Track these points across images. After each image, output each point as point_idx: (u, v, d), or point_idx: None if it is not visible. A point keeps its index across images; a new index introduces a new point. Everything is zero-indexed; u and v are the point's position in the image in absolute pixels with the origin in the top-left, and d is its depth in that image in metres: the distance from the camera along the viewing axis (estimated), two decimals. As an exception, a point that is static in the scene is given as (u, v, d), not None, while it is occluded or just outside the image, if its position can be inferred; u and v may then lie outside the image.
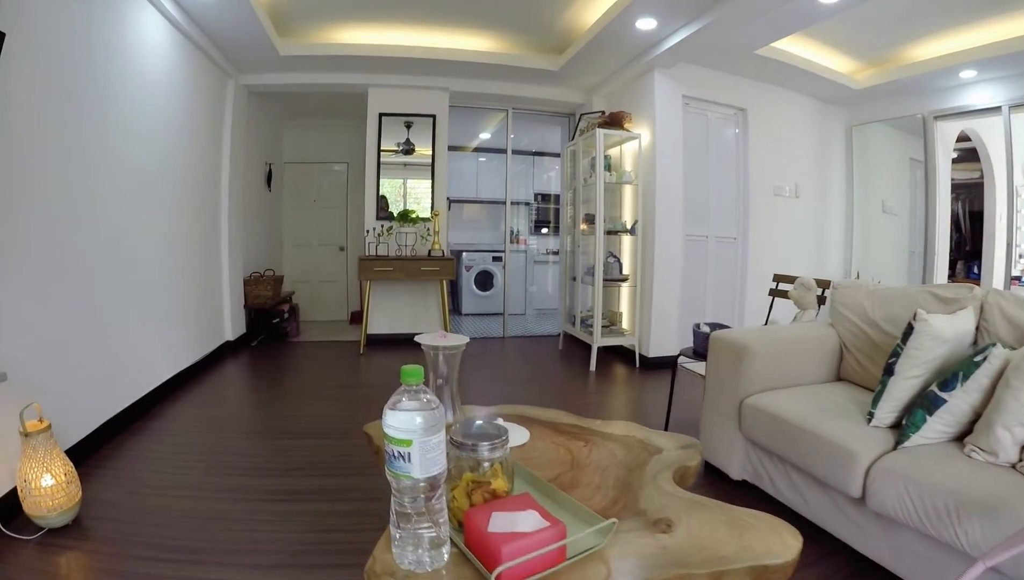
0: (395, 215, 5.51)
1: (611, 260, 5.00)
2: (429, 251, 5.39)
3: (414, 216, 5.41)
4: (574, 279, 5.51)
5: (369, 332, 5.63)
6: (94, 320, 3.00)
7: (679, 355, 3.52)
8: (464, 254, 8.19)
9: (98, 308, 3.04)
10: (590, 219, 5.21)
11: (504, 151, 8.72)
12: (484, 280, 8.28)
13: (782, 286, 4.09)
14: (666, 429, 3.46)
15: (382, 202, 5.69)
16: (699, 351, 3.40)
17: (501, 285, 8.28)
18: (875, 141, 6.21)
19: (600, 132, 4.85)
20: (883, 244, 6.26)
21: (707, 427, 2.84)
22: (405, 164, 5.71)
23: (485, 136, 7.93)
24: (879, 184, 6.21)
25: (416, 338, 1.75)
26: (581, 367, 5.01)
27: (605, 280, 4.92)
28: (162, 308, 3.87)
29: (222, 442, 3.13)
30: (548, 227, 9.09)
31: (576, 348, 5.78)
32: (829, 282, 3.80)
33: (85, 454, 2.78)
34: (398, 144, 5.67)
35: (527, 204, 9.00)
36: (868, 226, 6.27)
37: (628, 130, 5.01)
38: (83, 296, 2.89)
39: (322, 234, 7.44)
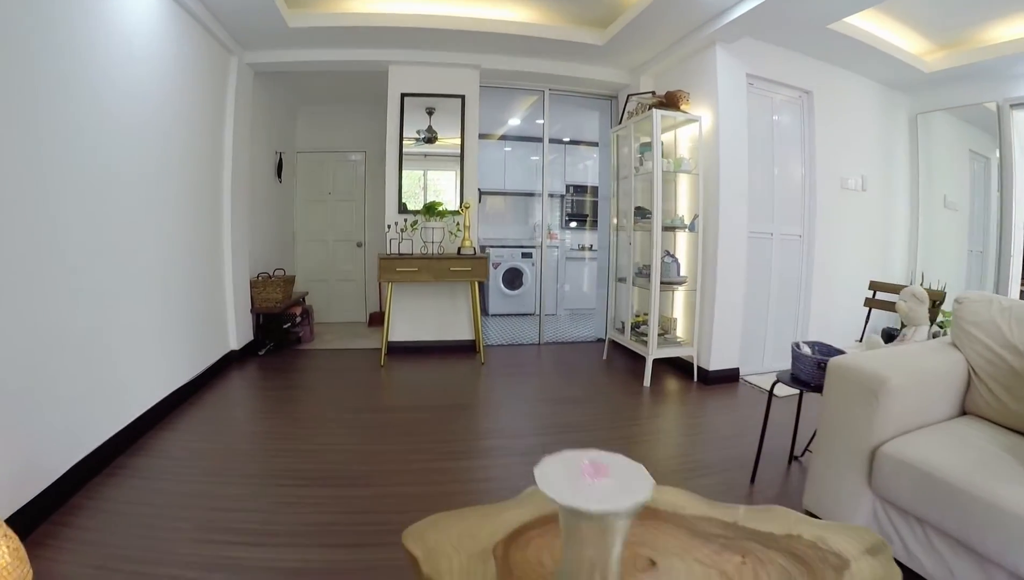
0: (420, 208, 4.89)
1: (668, 260, 4.35)
2: (459, 249, 4.78)
3: (441, 209, 4.80)
4: (622, 280, 4.87)
5: (390, 339, 5.04)
6: (64, 335, 2.43)
7: (776, 382, 2.87)
8: (491, 250, 7.57)
9: (70, 319, 2.48)
10: (642, 213, 4.57)
11: (534, 139, 8.23)
12: (513, 278, 7.67)
13: (880, 295, 3.40)
14: (755, 472, 2.85)
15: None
16: (800, 378, 2.77)
17: (532, 284, 7.69)
18: (936, 131, 5.56)
19: (657, 113, 4.20)
20: (944, 243, 5.60)
21: (818, 475, 2.29)
22: (426, 154, 5.10)
23: (514, 122, 7.28)
24: (940, 177, 5.57)
25: (544, 489, 1.03)
26: (632, 382, 4.39)
27: (661, 282, 4.28)
28: (154, 317, 3.32)
29: (218, 490, 2.54)
30: (585, 221, 8.47)
31: (622, 357, 5.16)
32: (943, 294, 3.25)
33: (46, 510, 2.22)
34: (419, 132, 5.05)
35: (559, 196, 8.35)
36: (929, 223, 5.60)
37: (686, 112, 4.35)
38: (51, 304, 2.32)
39: (338, 229, 6.86)
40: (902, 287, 3.51)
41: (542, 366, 4.95)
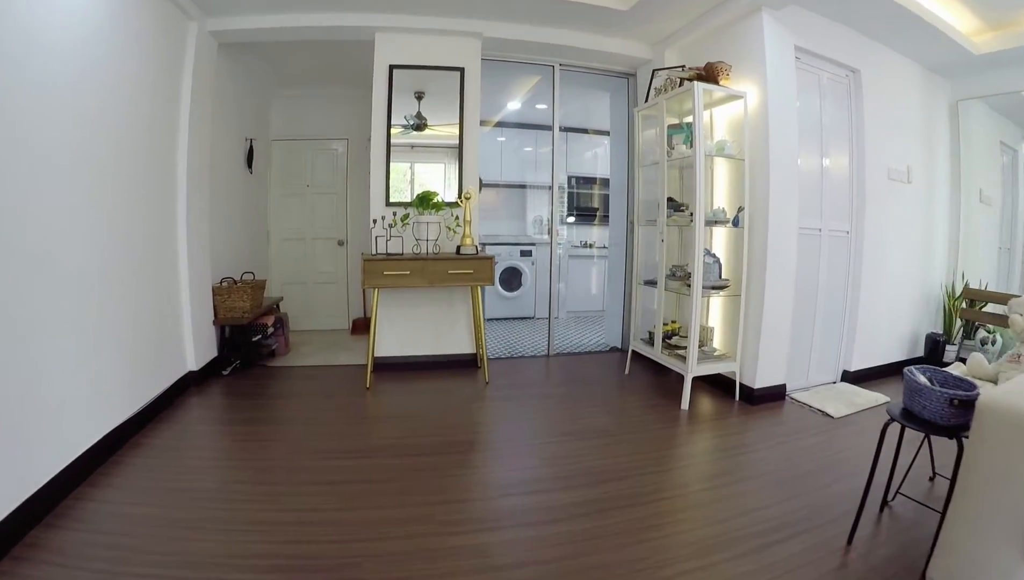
0: (412, 200, 4.16)
1: (708, 260, 3.69)
2: (458, 248, 4.06)
3: (436, 201, 4.07)
4: (650, 283, 4.20)
5: (377, 355, 4.32)
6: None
7: (889, 422, 2.24)
8: (485, 248, 6.86)
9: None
10: (675, 205, 3.90)
11: (534, 126, 7.48)
12: (510, 278, 6.98)
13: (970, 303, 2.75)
14: (854, 530, 2.22)
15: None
16: (922, 416, 2.15)
17: (531, 285, 7.01)
18: (973, 120, 5.03)
19: (699, 86, 3.52)
20: (978, 239, 5.09)
21: (955, 543, 1.79)
22: (413, 145, 4.36)
23: (513, 106, 6.56)
24: (977, 170, 5.05)
25: None
26: (666, 405, 3.73)
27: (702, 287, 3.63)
28: (83, 337, 2.55)
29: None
30: (592, 216, 7.81)
31: (646, 372, 4.50)
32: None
33: None
34: (406, 117, 4.32)
35: (559, 188, 7.64)
36: (967, 218, 5.08)
37: (726, 88, 3.69)
38: None
39: (317, 226, 6.09)
40: (1010, 297, 2.91)
41: (556, 385, 4.24)
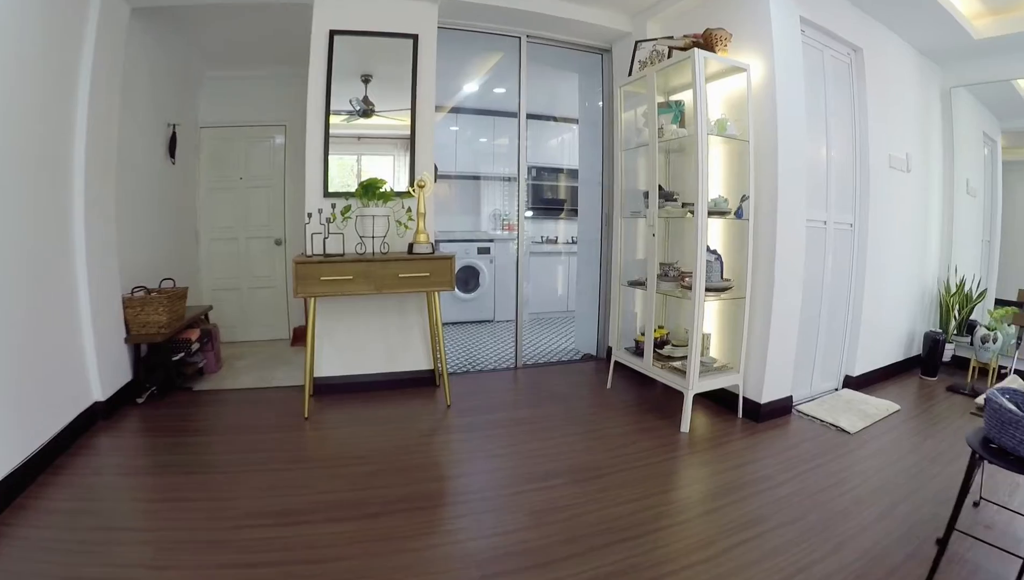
0: (356, 189, 3.44)
1: (710, 258, 3.14)
2: (410, 246, 3.38)
3: (384, 190, 3.38)
4: (636, 284, 3.64)
5: (318, 375, 3.61)
6: None
7: (980, 458, 1.74)
8: (439, 245, 6.19)
9: None
10: (666, 195, 3.35)
11: (493, 112, 6.86)
12: (467, 278, 6.32)
13: None
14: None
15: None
16: (1010, 448, 1.65)
17: (490, 284, 6.38)
18: (961, 109, 4.74)
19: (699, 54, 2.97)
20: (967, 232, 4.81)
21: None
22: (360, 137, 3.65)
23: (470, 88, 5.89)
24: (963, 160, 4.76)
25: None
26: (662, 427, 3.17)
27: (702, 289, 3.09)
28: None
29: None
30: (558, 210, 7.21)
31: (631, 384, 3.94)
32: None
33: None
34: (352, 102, 3.59)
35: (511, 180, 7.01)
36: (957, 210, 4.79)
37: (725, 58, 3.16)
38: None
39: (252, 223, 5.26)
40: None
41: (530, 406, 3.60)
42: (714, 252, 3.17)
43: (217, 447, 2.89)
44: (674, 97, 3.58)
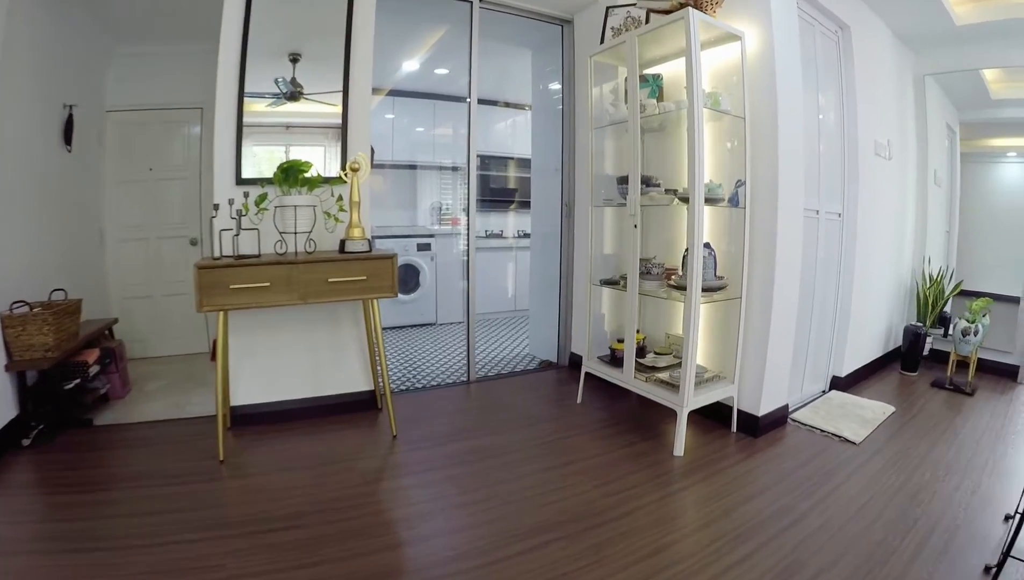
0: (274, 174, 2.76)
1: (704, 253, 2.67)
2: (342, 243, 2.74)
3: (308, 176, 2.72)
4: (610, 283, 3.15)
5: (236, 403, 2.91)
6: None
7: None
8: (375, 242, 5.52)
9: None
10: (646, 180, 2.86)
11: (433, 95, 6.19)
12: (405, 278, 5.68)
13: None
14: None
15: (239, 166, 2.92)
16: None
17: (431, 284, 5.77)
18: (931, 97, 4.55)
19: (694, 15, 2.48)
20: (936, 222, 4.68)
21: None
22: (288, 125, 2.97)
23: (411, 66, 5.21)
24: (932, 150, 4.59)
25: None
26: (652, 451, 2.68)
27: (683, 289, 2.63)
28: None
29: None
30: (507, 202, 6.63)
31: (599, 395, 3.44)
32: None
33: None
34: (277, 83, 2.91)
35: (455, 169, 6.40)
36: (930, 200, 4.63)
37: (719, 23, 2.70)
38: None
39: (164, 221, 4.39)
40: None
41: (493, 431, 2.98)
42: (707, 246, 2.70)
43: (112, 507, 2.15)
44: (651, 70, 3.10)
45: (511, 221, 6.66)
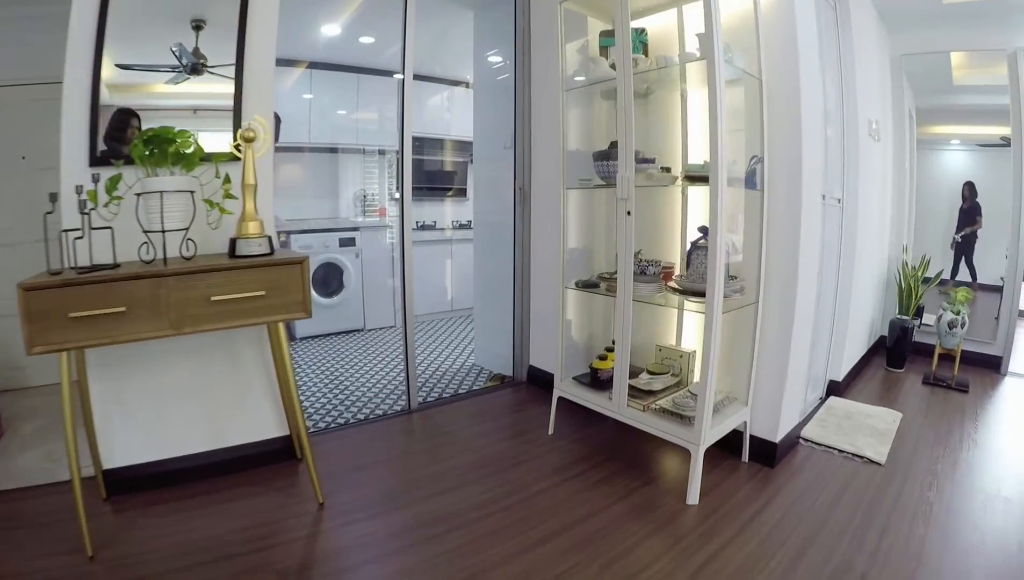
0: (136, 148, 1.91)
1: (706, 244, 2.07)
2: (233, 242, 1.94)
3: (182, 149, 1.90)
4: (586, 286, 2.50)
5: (110, 466, 2.07)
6: None
7: None
8: (290, 238, 4.64)
9: None
10: (643, 158, 2.23)
11: (356, 69, 5.27)
12: (327, 278, 4.83)
13: None
14: None
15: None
16: None
17: (356, 284, 4.97)
18: (904, 81, 4.23)
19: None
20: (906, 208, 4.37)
21: None
22: (196, 109, 2.19)
23: (331, 30, 4.33)
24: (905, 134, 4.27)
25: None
26: (659, 497, 2.08)
27: (695, 294, 2.03)
28: None
29: None
30: (442, 190, 5.83)
31: (573, 419, 2.79)
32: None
33: None
34: (175, 51, 2.12)
35: (382, 153, 5.55)
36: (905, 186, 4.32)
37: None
38: None
39: (36, 220, 3.31)
40: None
41: (453, 486, 2.25)
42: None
43: None
44: (634, 23, 2.47)
45: (447, 210, 5.90)
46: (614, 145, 2.24)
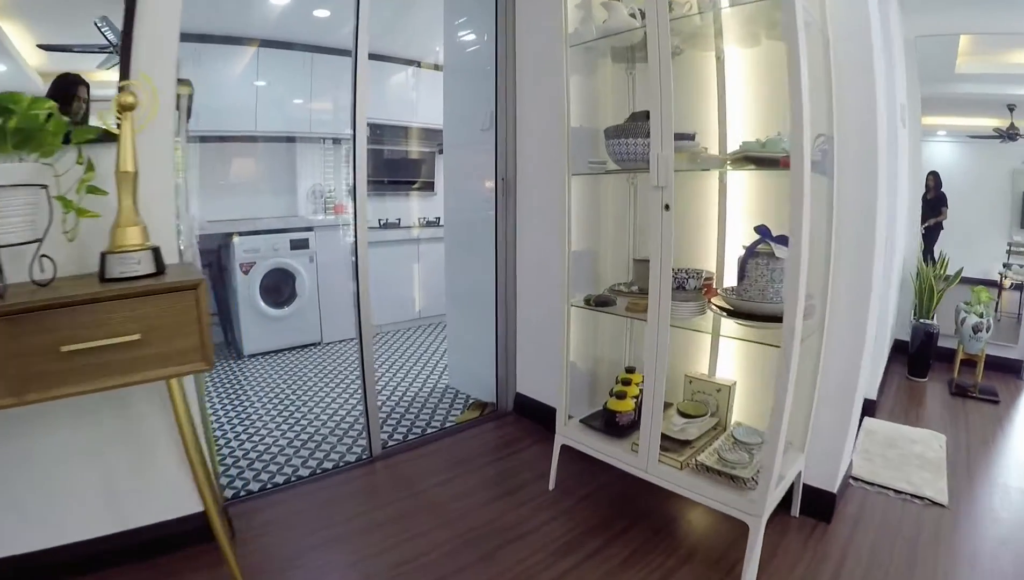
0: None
1: (783, 251, 1.52)
2: (104, 258, 1.27)
3: (17, 116, 1.24)
4: (595, 304, 1.92)
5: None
6: None
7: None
8: (235, 240, 3.92)
9: None
10: (682, 134, 1.66)
11: (315, 48, 4.40)
12: (277, 286, 4.13)
13: None
14: None
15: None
16: None
17: (311, 292, 4.30)
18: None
19: None
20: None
21: None
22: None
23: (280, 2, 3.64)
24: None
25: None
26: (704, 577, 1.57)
27: (756, 318, 1.48)
28: None
29: None
30: (406, 183, 5.10)
31: (580, 469, 2.18)
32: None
33: None
34: (99, 25, 1.49)
35: (336, 142, 4.83)
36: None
37: None
38: None
39: None
40: None
41: (436, 573, 1.74)
42: (782, 240, 1.56)
43: None
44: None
45: (414, 206, 5.23)
46: (635, 118, 1.67)
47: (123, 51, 1.55)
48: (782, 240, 1.50)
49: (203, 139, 4.14)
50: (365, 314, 2.28)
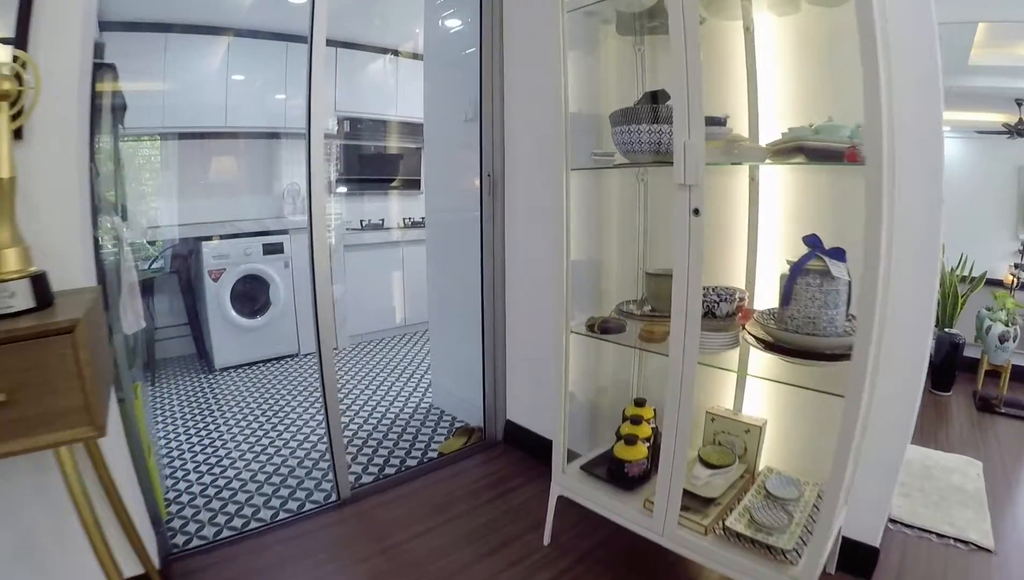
0: None
1: (839, 269, 1.21)
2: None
3: None
4: (600, 330, 1.56)
5: None
6: None
7: None
8: (204, 246, 3.57)
9: None
10: (712, 118, 1.32)
11: (290, 37, 4.05)
12: (251, 294, 3.78)
13: None
14: None
15: None
16: None
17: (287, 301, 3.97)
18: None
19: None
20: None
21: None
22: None
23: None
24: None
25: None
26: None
27: (794, 353, 1.18)
28: None
29: None
30: (385, 182, 4.68)
31: (578, 518, 1.74)
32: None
33: None
34: None
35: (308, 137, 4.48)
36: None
37: None
38: None
39: None
40: None
41: None
42: (838, 253, 1.24)
43: None
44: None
45: (398, 206, 4.87)
46: (647, 99, 1.37)
47: (20, 26, 1.22)
48: (837, 254, 1.20)
49: (181, 136, 3.83)
50: (325, 335, 1.94)
